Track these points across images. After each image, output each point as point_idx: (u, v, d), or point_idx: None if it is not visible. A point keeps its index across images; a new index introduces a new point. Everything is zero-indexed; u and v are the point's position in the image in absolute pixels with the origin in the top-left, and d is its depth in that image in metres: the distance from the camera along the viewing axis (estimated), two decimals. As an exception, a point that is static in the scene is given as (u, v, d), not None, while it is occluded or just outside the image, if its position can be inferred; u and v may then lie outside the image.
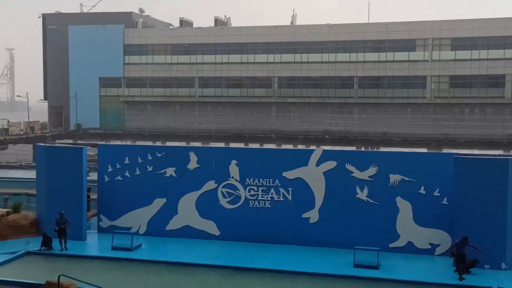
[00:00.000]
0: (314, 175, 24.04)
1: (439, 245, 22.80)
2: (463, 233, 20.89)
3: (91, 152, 31.08)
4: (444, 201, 22.62)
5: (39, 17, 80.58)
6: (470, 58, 62.00)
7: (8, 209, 26.38)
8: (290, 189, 24.34)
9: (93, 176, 28.95)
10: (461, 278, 19.53)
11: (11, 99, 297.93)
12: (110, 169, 26.04)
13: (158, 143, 63.64)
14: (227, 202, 25.03)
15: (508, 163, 21.28)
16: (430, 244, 22.95)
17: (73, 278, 15.64)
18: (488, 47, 61.56)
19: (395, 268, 20.88)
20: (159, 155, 25.71)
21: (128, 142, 63.20)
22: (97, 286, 14.75)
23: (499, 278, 19.64)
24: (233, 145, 61.68)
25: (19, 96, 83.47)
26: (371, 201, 23.47)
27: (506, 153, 48.11)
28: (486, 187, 21.09)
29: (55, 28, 78.68)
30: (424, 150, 56.66)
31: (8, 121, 69.92)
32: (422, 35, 63.72)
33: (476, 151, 49.07)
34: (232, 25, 79.81)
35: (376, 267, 20.73)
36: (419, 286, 19.14)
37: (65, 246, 22.87)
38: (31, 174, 35.63)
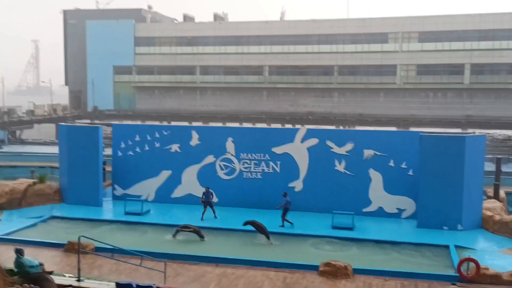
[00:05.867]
0: (299, 150, 24.09)
1: (405, 210, 23.00)
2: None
3: (107, 130, 30.88)
4: (410, 173, 22.76)
5: (61, 13, 79.52)
6: (435, 49, 61.84)
7: (35, 180, 26.36)
8: (278, 162, 24.41)
9: (108, 151, 28.84)
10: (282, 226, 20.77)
11: (36, 84, 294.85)
12: (122, 145, 25.97)
13: (165, 123, 63.22)
14: (224, 173, 25.08)
15: (465, 140, 21.39)
16: (398, 209, 23.14)
17: (91, 239, 15.65)
18: (450, 40, 61.39)
19: (367, 229, 21.06)
20: (165, 133, 25.66)
21: (138, 122, 62.79)
22: (112, 246, 14.77)
23: (456, 237, 19.85)
24: (229, 124, 61.38)
25: (43, 82, 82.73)
26: (347, 172, 23.59)
27: (464, 131, 48.15)
28: (446, 161, 21.19)
29: (75, 23, 77.71)
30: (394, 128, 56.64)
31: (34, 104, 69.23)
32: (394, 29, 63.40)
33: (438, 130, 49.13)
34: (229, 20, 78.98)
35: (351, 229, 20.88)
36: (387, 244, 19.28)
37: (214, 215, 22.49)
38: (54, 150, 35.43)
